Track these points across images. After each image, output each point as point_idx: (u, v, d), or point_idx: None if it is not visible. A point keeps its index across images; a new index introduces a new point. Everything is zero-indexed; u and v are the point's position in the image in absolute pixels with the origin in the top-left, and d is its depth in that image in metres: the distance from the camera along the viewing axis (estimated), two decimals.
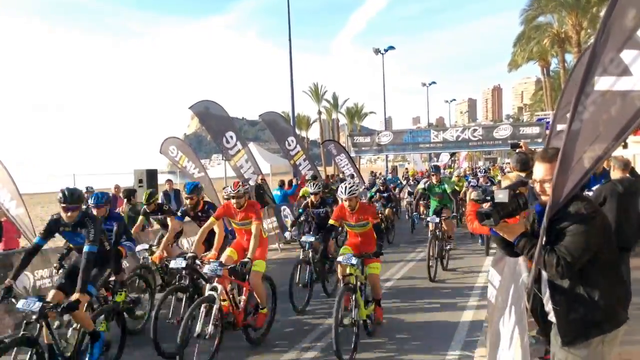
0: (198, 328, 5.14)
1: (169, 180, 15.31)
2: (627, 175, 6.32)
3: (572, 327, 2.84)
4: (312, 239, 7.91)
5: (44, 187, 25.78)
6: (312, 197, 8.85)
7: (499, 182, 16.10)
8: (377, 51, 37.66)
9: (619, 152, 9.63)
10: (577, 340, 2.83)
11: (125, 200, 10.89)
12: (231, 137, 15.01)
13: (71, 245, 6.02)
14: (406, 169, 41.02)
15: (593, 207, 2.86)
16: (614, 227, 4.81)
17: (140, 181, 14.82)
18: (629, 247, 5.91)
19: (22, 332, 4.22)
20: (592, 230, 2.76)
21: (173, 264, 6.22)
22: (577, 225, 2.78)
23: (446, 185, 10.42)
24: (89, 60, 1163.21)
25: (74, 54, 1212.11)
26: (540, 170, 2.96)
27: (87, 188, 12.46)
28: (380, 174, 28.68)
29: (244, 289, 6.10)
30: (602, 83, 2.52)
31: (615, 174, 6.28)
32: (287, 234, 10.20)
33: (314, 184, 9.18)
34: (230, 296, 5.78)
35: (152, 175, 15.40)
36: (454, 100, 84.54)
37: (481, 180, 12.52)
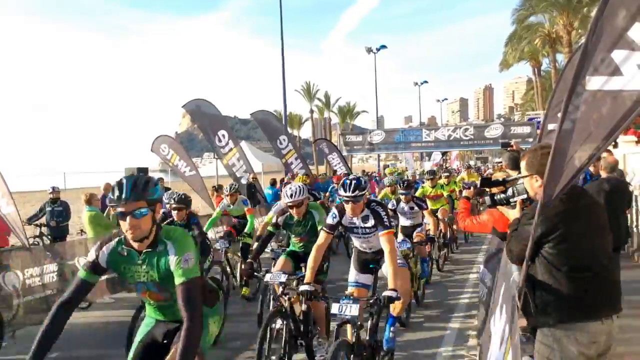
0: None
1: (160, 179, 15.22)
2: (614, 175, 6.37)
3: (523, 311, 2.97)
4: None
5: (34, 186, 25.56)
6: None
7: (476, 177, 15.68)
8: (369, 50, 37.78)
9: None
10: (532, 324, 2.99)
11: None
12: (223, 135, 14.99)
13: None
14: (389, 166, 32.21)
15: (561, 202, 2.82)
16: None
17: None
18: (617, 246, 5.92)
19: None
20: (537, 222, 2.79)
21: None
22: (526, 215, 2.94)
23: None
24: (78, 58, 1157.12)
25: (64, 51, 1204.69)
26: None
27: (53, 188, 11.84)
28: (368, 172, 28.22)
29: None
30: (593, 83, 2.52)
31: (603, 174, 6.33)
32: None
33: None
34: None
35: (143, 173, 15.31)
36: (446, 99, 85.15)
37: (402, 201, 7.71)
